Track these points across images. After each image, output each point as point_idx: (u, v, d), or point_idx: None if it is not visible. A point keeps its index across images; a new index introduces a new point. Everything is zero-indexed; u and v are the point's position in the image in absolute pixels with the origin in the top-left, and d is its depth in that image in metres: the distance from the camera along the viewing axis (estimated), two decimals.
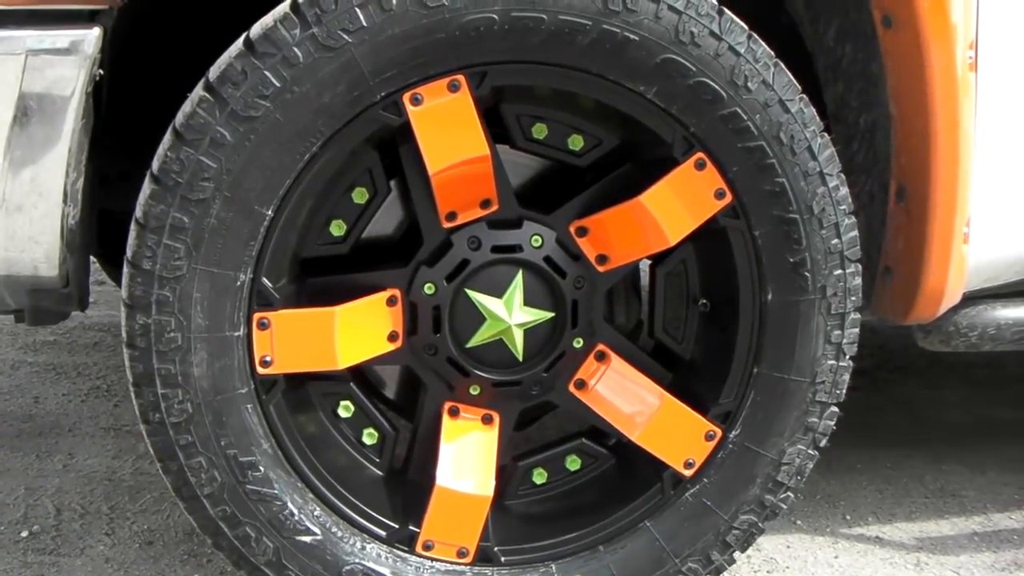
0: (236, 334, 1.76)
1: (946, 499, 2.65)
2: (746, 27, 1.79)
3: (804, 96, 1.85)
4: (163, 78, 2.07)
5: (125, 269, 1.73)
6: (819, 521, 2.51)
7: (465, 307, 1.89)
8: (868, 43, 2.02)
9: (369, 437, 1.99)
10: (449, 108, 1.75)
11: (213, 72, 1.69)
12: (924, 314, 2.12)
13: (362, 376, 2.01)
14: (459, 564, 1.92)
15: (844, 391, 1.97)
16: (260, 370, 1.79)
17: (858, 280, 1.92)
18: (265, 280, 1.77)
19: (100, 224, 2.18)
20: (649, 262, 2.04)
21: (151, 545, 2.27)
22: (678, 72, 1.77)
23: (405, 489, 1.97)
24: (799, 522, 2.49)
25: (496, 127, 1.87)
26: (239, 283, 1.74)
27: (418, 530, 1.90)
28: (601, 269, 1.92)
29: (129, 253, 1.72)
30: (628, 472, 2.03)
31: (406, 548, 1.91)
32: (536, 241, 1.89)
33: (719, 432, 1.95)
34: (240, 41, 1.70)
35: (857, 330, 1.95)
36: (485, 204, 1.87)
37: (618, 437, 2.02)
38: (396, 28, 1.68)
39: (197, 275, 1.71)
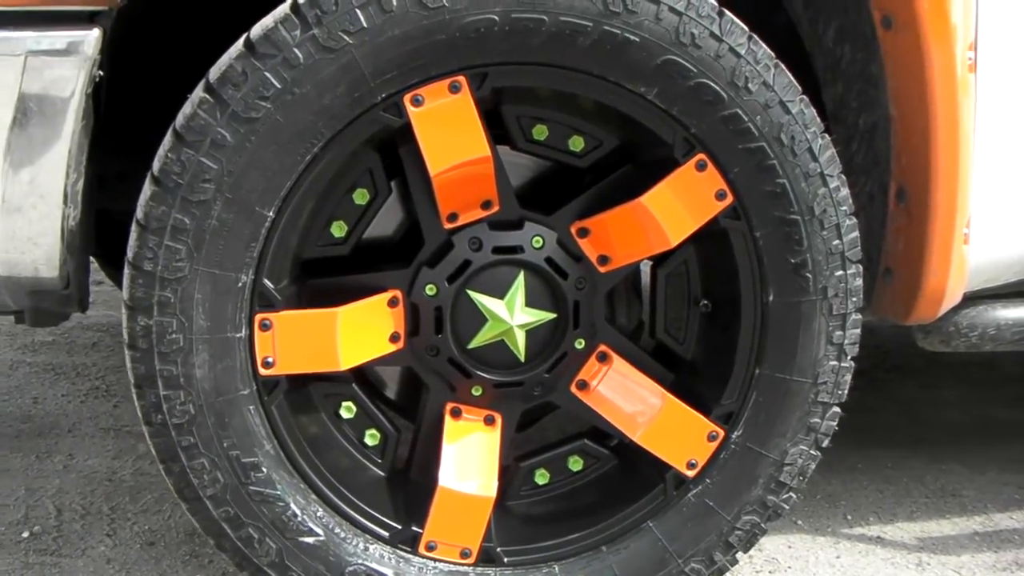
0: (238, 335, 1.76)
1: (947, 499, 2.65)
2: (746, 28, 1.79)
3: (805, 97, 1.85)
4: (162, 79, 2.07)
5: (126, 271, 1.73)
6: (820, 521, 2.51)
7: (467, 308, 1.89)
8: (868, 44, 2.03)
9: (371, 438, 1.99)
10: (450, 109, 1.75)
11: (213, 73, 1.69)
12: (925, 315, 2.12)
13: (363, 377, 2.01)
14: (462, 564, 1.92)
15: (846, 391, 1.97)
16: (262, 371, 1.79)
17: (859, 281, 1.92)
18: (267, 281, 1.77)
19: (98, 225, 2.17)
20: (650, 263, 2.04)
21: (152, 546, 2.26)
22: (679, 73, 1.77)
23: (407, 490, 1.97)
24: (800, 522, 2.49)
25: (497, 128, 1.87)
26: (241, 284, 1.74)
27: (421, 531, 1.90)
28: (602, 270, 1.92)
29: (130, 254, 1.72)
30: (630, 473, 2.03)
31: (409, 549, 1.91)
32: (537, 242, 1.89)
33: (721, 433, 1.95)
34: (240, 42, 1.70)
35: (858, 331, 1.95)
36: (486, 205, 1.87)
37: (620, 438, 2.02)
38: (397, 29, 1.68)
39: (199, 276, 1.71)
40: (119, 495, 2.48)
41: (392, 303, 1.88)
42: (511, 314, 1.90)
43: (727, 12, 1.78)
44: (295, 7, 1.67)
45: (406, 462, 2.01)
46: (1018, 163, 2.10)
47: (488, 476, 1.93)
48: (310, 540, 1.84)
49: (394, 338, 1.89)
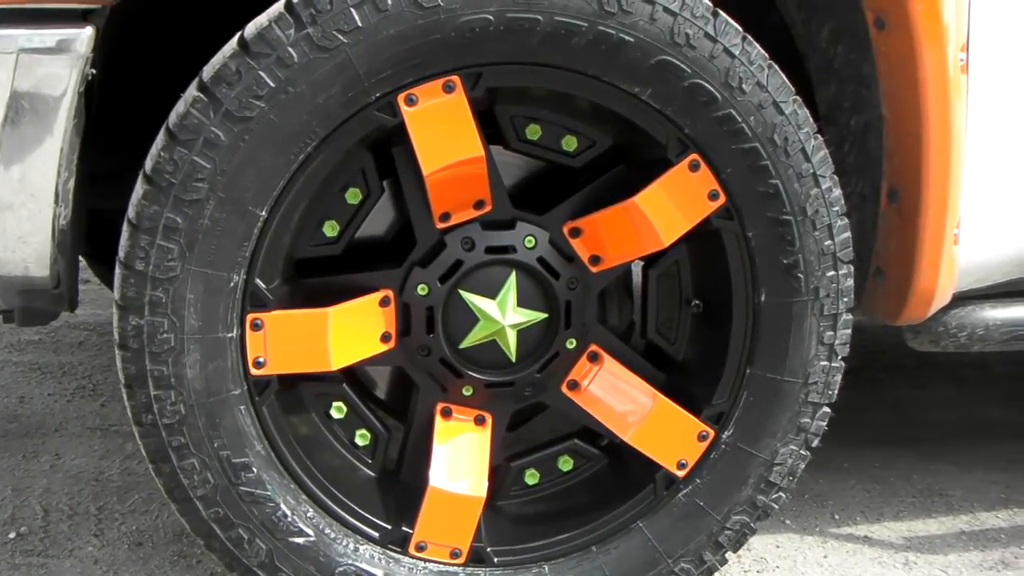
0: (229, 335, 1.75)
1: (933, 498, 2.66)
2: (740, 29, 1.79)
3: (798, 98, 1.85)
4: (153, 77, 2.06)
5: (117, 270, 1.72)
6: (808, 520, 2.52)
7: (458, 308, 1.89)
8: (861, 44, 2.03)
9: (362, 438, 1.98)
10: (444, 109, 1.75)
11: (207, 72, 1.68)
12: (915, 315, 2.13)
13: (354, 377, 2.01)
14: (452, 565, 1.92)
15: (836, 392, 1.98)
16: (253, 371, 1.78)
17: (850, 281, 1.93)
18: (259, 281, 1.76)
19: (88, 223, 2.16)
20: (641, 263, 2.04)
21: (140, 546, 2.25)
22: (673, 74, 1.77)
23: (398, 490, 1.97)
24: (788, 521, 2.50)
25: (490, 128, 1.87)
26: (232, 284, 1.73)
27: (411, 531, 1.90)
28: (594, 270, 1.92)
29: (122, 254, 1.71)
30: (621, 473, 2.03)
31: (399, 549, 1.90)
32: (530, 242, 1.89)
33: (712, 433, 1.95)
34: (234, 41, 1.69)
35: (849, 331, 1.95)
36: (479, 205, 1.87)
37: (611, 438, 2.01)
38: (392, 28, 1.67)
39: (191, 276, 1.70)
40: (106, 495, 2.46)
41: (383, 303, 1.87)
42: (503, 314, 1.90)
43: (721, 13, 1.78)
44: (289, 6, 1.67)
45: (396, 462, 2.00)
46: (1008, 164, 2.11)
47: (479, 476, 1.93)
48: (300, 541, 1.83)
49: (385, 338, 1.88)
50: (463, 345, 1.90)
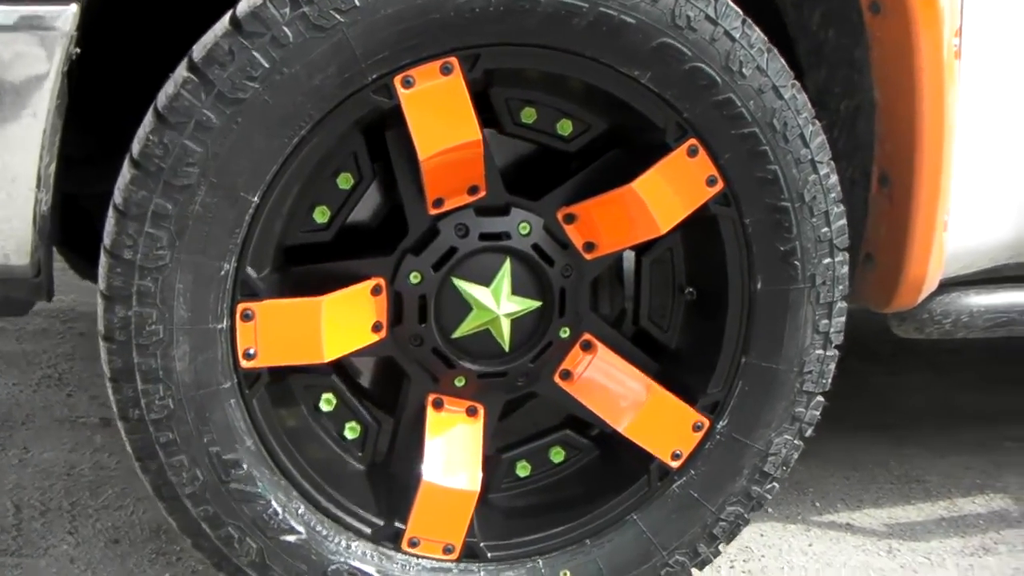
0: (219, 326, 1.68)
1: (911, 484, 2.67)
2: (741, 12, 1.77)
3: (797, 82, 1.83)
4: (130, 55, 1.98)
5: (103, 258, 1.65)
6: (790, 508, 2.51)
7: (451, 296, 1.84)
8: (853, 29, 2.01)
9: (351, 431, 1.93)
10: (441, 91, 1.70)
11: (198, 52, 1.62)
12: (905, 302, 2.12)
13: (343, 368, 1.95)
14: (445, 561, 1.88)
15: (830, 380, 1.96)
16: (244, 363, 1.72)
17: (845, 268, 1.91)
18: (250, 269, 1.70)
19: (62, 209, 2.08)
20: (633, 250, 2.01)
21: (117, 543, 2.18)
22: (674, 57, 1.73)
23: (388, 484, 1.91)
24: (770, 510, 2.49)
25: (484, 111, 1.82)
26: (223, 273, 1.67)
27: (404, 527, 1.85)
28: (588, 257, 1.89)
29: (108, 241, 1.64)
30: (613, 464, 2.00)
31: (392, 545, 1.85)
32: (524, 228, 1.85)
33: (707, 423, 1.93)
34: (226, 19, 1.62)
35: (843, 319, 1.94)
36: (472, 190, 1.82)
37: (604, 429, 1.98)
38: (390, 8, 1.62)
39: (180, 265, 1.64)
40: (79, 490, 2.39)
41: (375, 291, 1.82)
42: (497, 303, 1.85)
43: None
44: None
45: (386, 455, 1.95)
46: (998, 150, 2.11)
47: (472, 470, 1.88)
48: (292, 539, 1.78)
49: (376, 327, 1.83)
50: (456, 335, 1.86)
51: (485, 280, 1.85)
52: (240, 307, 1.70)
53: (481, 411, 1.93)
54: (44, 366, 3.02)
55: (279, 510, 1.77)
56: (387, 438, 1.94)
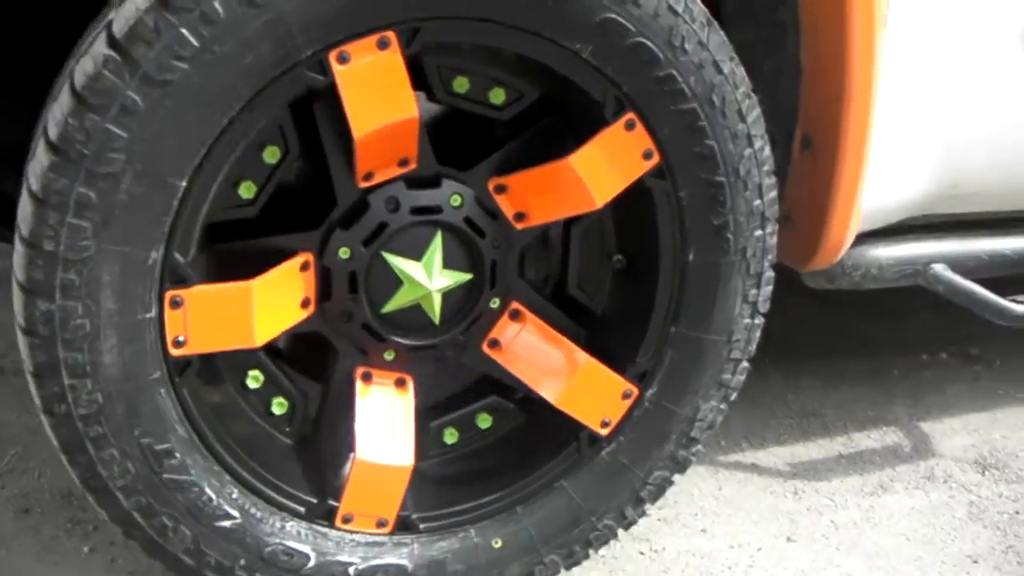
0: (148, 315, 1.60)
1: (809, 419, 2.77)
2: None
3: (735, 56, 1.81)
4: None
5: (21, 249, 1.54)
6: None
7: (382, 271, 1.79)
8: None
9: (279, 407, 1.88)
10: (378, 66, 1.62)
11: (119, 27, 1.49)
12: (824, 262, 2.17)
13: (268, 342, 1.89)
14: (378, 534, 1.87)
15: (755, 346, 2.00)
16: (173, 351, 1.64)
17: (775, 239, 1.93)
18: (177, 255, 1.61)
19: None
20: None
21: (28, 513, 2.09)
22: (617, 32, 1.69)
23: (319, 458, 1.88)
24: None
25: (414, 76, 1.74)
26: (151, 262, 1.58)
27: (337, 504, 1.83)
28: (519, 226, 1.86)
29: (25, 231, 1.53)
30: (542, 431, 2.00)
31: (326, 523, 1.83)
32: (456, 201, 1.80)
33: (636, 391, 1.94)
34: None
35: (771, 287, 1.96)
36: (403, 163, 1.76)
37: (530, 395, 1.98)
38: None
39: (106, 256, 1.54)
40: None
41: (303, 268, 1.76)
42: (429, 277, 1.81)
43: None
44: None
45: (314, 428, 1.91)
46: (914, 115, 2.14)
47: (405, 443, 1.86)
48: (227, 524, 1.74)
49: (304, 303, 1.77)
50: (386, 309, 1.82)
51: (416, 254, 1.80)
52: (169, 295, 1.62)
53: (410, 382, 1.90)
54: None
55: (213, 496, 1.72)
56: (314, 410, 1.91)
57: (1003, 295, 2.39)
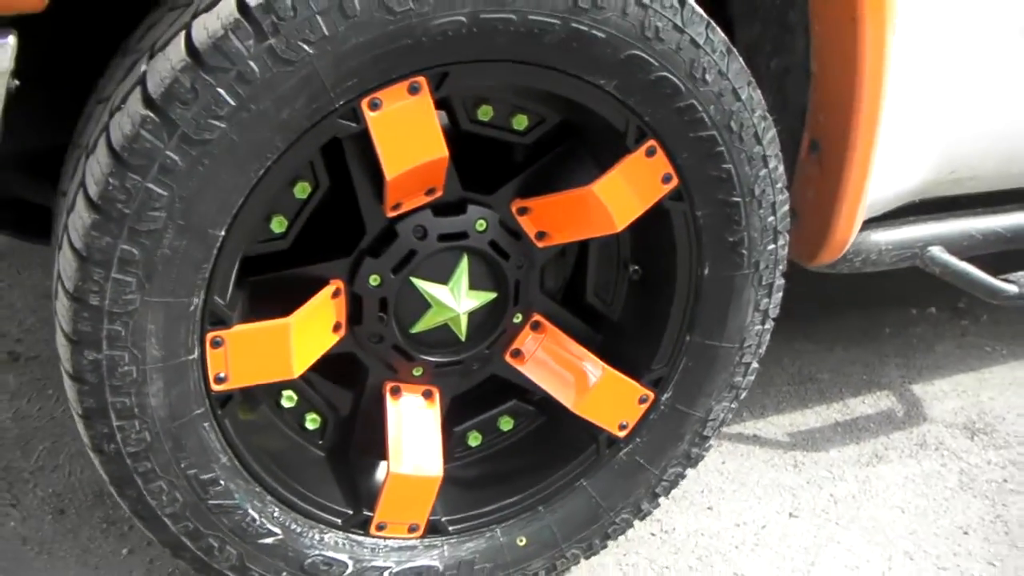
0: (191, 357, 1.66)
1: (806, 384, 2.87)
2: (705, 15, 1.75)
3: (753, 80, 1.85)
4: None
5: (66, 302, 1.58)
6: None
7: (410, 295, 1.85)
8: None
9: (312, 422, 1.96)
10: (409, 111, 1.65)
11: (154, 87, 1.51)
12: (829, 258, 2.23)
13: None
14: (410, 539, 1.96)
15: (764, 349, 2.07)
16: (215, 387, 1.70)
17: (786, 250, 1.99)
18: (216, 298, 1.66)
19: None
20: None
21: (63, 515, 2.17)
22: (640, 67, 1.72)
23: (351, 469, 1.96)
24: None
25: (439, 106, 1.77)
26: (192, 308, 1.63)
27: (372, 514, 1.91)
28: (540, 245, 1.92)
29: (70, 287, 1.57)
30: (562, 434, 2.08)
31: (361, 531, 1.92)
32: (481, 226, 1.85)
33: (652, 396, 2.02)
34: (182, 48, 1.52)
35: (781, 294, 2.03)
36: (430, 192, 1.80)
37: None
38: (361, 37, 1.54)
39: (150, 307, 1.59)
40: (8, 450, 2.33)
41: (335, 295, 1.81)
42: (456, 300, 1.88)
43: (688, 1, 1.72)
44: (244, 9, 1.50)
45: (346, 440, 1.99)
46: (915, 110, 2.18)
47: (434, 454, 1.94)
48: (269, 540, 1.82)
49: (336, 327, 1.84)
50: (414, 331, 1.88)
51: (443, 278, 1.86)
52: (210, 336, 1.67)
53: (436, 394, 1.97)
54: None
55: (256, 516, 1.80)
56: (346, 424, 1.98)
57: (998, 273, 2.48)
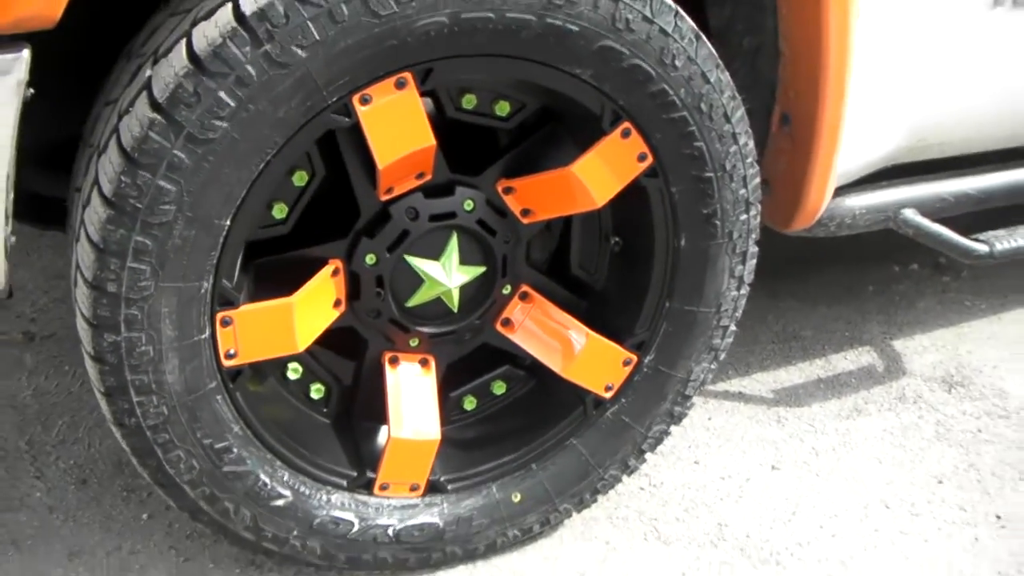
0: (203, 336, 1.80)
1: (790, 343, 2.99)
2: (673, 4, 1.86)
3: (721, 63, 1.96)
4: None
5: (86, 290, 1.72)
6: None
7: (405, 272, 1.99)
8: None
9: (316, 392, 2.10)
10: (397, 105, 1.78)
11: (159, 91, 1.65)
12: (803, 224, 2.36)
13: None
14: (412, 497, 2.10)
15: (741, 312, 2.20)
16: (225, 363, 1.85)
17: (758, 220, 2.12)
18: (224, 281, 1.80)
19: None
20: None
21: (86, 484, 2.31)
22: (613, 57, 1.84)
23: (355, 434, 2.11)
24: None
25: (426, 95, 1.90)
26: (203, 291, 1.77)
27: (375, 475, 2.06)
28: (525, 221, 2.05)
29: (89, 276, 1.71)
30: (552, 396, 2.21)
31: (365, 491, 2.07)
32: (468, 205, 1.98)
33: (635, 358, 2.15)
34: (184, 55, 1.65)
35: (755, 261, 2.16)
36: (419, 176, 1.93)
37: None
38: (349, 39, 1.67)
39: (164, 292, 1.73)
40: (29, 425, 2.47)
41: (334, 273, 1.95)
42: (448, 275, 2.01)
43: None
44: (241, 18, 1.63)
45: (349, 406, 2.13)
46: (880, 78, 2.29)
47: (431, 418, 2.08)
48: (280, 503, 1.97)
49: (336, 304, 1.98)
50: (409, 304, 2.02)
51: (435, 255, 2.00)
52: (219, 316, 1.82)
53: (432, 362, 2.11)
54: None
55: (267, 481, 1.95)
56: (349, 393, 2.12)
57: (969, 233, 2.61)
